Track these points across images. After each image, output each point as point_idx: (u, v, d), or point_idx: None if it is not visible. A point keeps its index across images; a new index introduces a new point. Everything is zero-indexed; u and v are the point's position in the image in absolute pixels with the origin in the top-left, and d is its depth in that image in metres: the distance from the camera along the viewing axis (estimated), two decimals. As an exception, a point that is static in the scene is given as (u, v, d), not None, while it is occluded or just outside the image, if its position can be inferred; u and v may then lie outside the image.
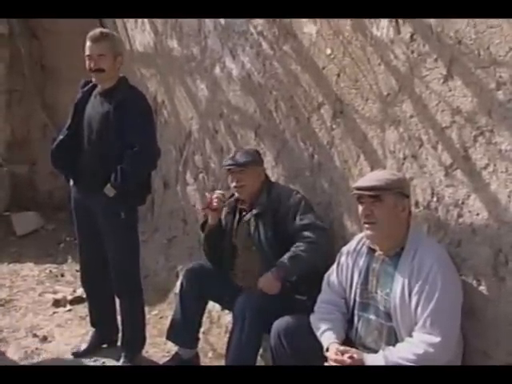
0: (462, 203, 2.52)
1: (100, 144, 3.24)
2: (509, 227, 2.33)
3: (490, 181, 2.39)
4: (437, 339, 2.25)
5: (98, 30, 3.33)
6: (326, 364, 2.43)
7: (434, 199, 2.65)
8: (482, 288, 2.44)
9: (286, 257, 2.97)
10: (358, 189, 2.47)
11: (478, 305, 2.45)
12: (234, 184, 3.20)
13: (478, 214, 2.45)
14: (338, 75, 3.08)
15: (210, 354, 3.60)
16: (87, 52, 3.21)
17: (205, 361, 3.51)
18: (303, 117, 3.38)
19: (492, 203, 2.38)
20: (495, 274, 2.40)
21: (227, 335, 3.67)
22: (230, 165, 3.19)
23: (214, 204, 3.24)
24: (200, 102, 4.31)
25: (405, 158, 2.77)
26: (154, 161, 3.36)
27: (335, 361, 2.37)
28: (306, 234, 2.99)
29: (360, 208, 2.47)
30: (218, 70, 4.01)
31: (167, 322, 3.55)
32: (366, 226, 2.45)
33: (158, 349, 3.71)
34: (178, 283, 3.66)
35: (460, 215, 2.53)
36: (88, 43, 3.21)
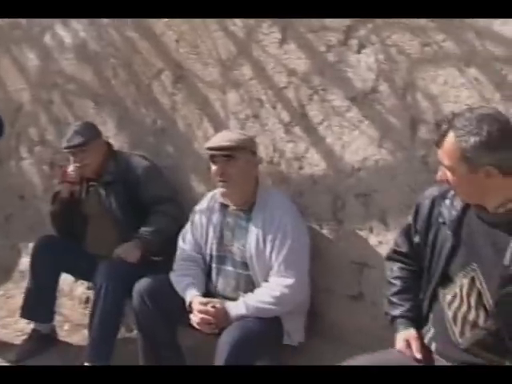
0: (302, 157, 2.77)
1: None
2: (344, 175, 2.62)
3: (325, 135, 2.66)
4: (291, 281, 2.46)
5: None
6: (191, 316, 2.53)
7: (276, 155, 2.87)
8: (325, 231, 2.73)
9: (148, 230, 3.03)
10: (211, 149, 2.57)
11: (321, 247, 2.73)
12: (76, 164, 3.16)
13: (316, 166, 2.71)
14: (177, 41, 3.17)
15: (66, 327, 3.57)
16: None
17: (62, 334, 3.48)
18: (143, 83, 3.41)
19: (328, 155, 2.66)
20: (334, 218, 2.69)
21: (81, 306, 3.69)
22: (68, 147, 3.14)
23: (72, 177, 3.18)
24: (30, 73, 4.13)
25: (247, 118, 2.96)
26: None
27: (199, 311, 2.47)
28: (161, 207, 3.07)
29: (213, 167, 2.58)
30: (48, 38, 3.88)
31: (16, 302, 3.46)
32: (220, 184, 2.57)
33: (9, 329, 3.59)
34: (26, 260, 3.56)
35: (301, 167, 2.78)
36: None
